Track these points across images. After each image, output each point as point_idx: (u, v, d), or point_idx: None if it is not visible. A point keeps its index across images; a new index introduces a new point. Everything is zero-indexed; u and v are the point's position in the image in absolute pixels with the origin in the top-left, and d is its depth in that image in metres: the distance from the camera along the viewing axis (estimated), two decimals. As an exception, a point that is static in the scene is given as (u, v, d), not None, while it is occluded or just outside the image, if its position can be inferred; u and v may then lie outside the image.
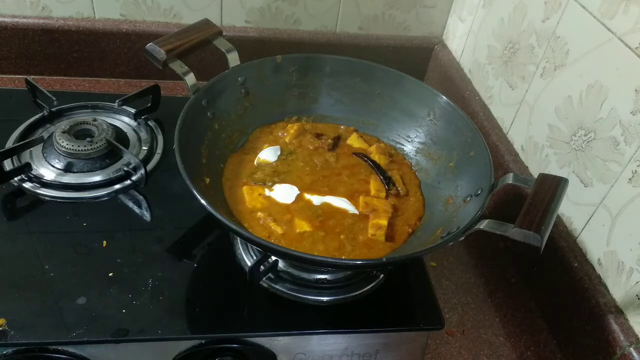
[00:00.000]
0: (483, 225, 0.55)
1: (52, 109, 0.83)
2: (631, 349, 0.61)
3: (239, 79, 0.75)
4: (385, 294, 0.67)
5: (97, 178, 0.76)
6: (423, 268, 0.71)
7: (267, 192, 0.70)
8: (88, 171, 0.76)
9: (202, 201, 0.55)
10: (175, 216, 0.73)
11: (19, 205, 0.72)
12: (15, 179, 0.73)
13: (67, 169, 0.76)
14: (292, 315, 0.64)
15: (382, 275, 0.68)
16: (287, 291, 0.65)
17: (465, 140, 0.70)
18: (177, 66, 0.69)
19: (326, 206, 0.69)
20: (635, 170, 0.62)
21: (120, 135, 0.83)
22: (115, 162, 0.78)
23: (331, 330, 0.63)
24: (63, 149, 0.76)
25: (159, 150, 0.83)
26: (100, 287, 0.62)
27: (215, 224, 0.68)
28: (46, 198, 0.72)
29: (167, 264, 0.67)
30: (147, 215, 0.73)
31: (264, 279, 0.65)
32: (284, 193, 0.70)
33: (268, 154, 0.75)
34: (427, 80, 1.13)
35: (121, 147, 0.78)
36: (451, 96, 0.75)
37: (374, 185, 0.72)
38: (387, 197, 0.72)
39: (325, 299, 0.65)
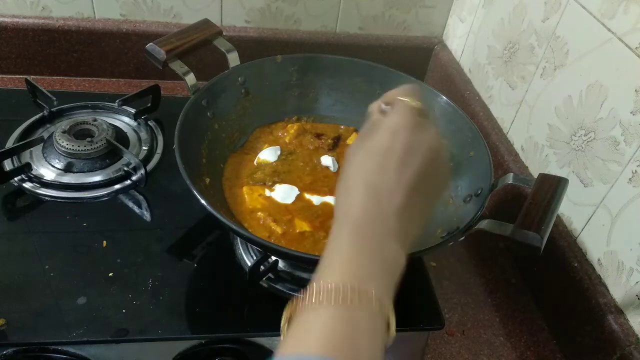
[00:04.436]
0: (483, 225, 0.55)
1: (52, 109, 0.83)
2: (631, 348, 0.61)
3: (239, 79, 0.75)
4: (385, 294, 0.67)
5: (97, 178, 0.76)
6: (423, 268, 0.71)
7: (267, 192, 0.70)
8: (88, 171, 0.76)
9: (202, 201, 0.55)
10: (175, 216, 0.73)
11: (19, 205, 0.72)
12: (16, 179, 0.73)
13: (67, 169, 0.76)
14: (292, 315, 0.64)
15: (382, 275, 0.68)
16: (287, 291, 0.65)
17: (465, 140, 0.70)
18: (177, 66, 0.69)
19: (326, 206, 0.69)
20: (635, 170, 0.62)
21: (120, 135, 0.83)
22: (115, 162, 0.78)
23: (331, 330, 0.63)
24: (63, 149, 0.76)
25: (159, 150, 0.83)
26: (100, 287, 0.62)
27: (215, 224, 0.68)
28: (46, 198, 0.72)
29: (167, 264, 0.67)
30: (147, 215, 0.73)
31: (264, 279, 0.65)
32: (284, 193, 0.70)
33: (268, 154, 0.75)
34: (427, 80, 1.13)
35: (121, 147, 0.78)
36: (451, 96, 0.75)
37: (374, 185, 0.72)
38: (387, 197, 0.72)
39: (325, 299, 0.65)
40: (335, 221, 0.42)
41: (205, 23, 0.75)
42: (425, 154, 0.43)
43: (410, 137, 0.43)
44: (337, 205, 0.44)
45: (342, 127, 0.82)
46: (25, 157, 0.77)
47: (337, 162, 0.76)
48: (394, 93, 0.48)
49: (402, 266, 0.41)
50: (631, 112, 0.62)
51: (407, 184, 0.41)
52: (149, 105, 0.88)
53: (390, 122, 0.44)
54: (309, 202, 0.69)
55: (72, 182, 0.74)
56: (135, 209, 0.74)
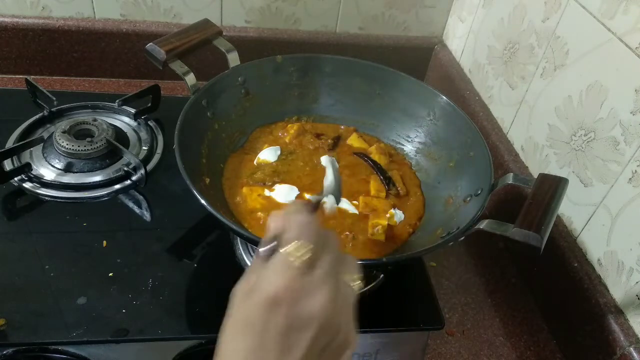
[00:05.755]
0: (483, 225, 0.55)
1: (52, 109, 0.84)
2: (631, 349, 0.61)
3: (239, 79, 0.75)
4: (385, 294, 0.67)
5: (97, 178, 0.76)
6: (423, 268, 0.71)
7: (267, 192, 0.70)
8: (88, 171, 0.76)
9: (202, 201, 0.55)
10: (175, 216, 0.73)
11: (19, 205, 0.72)
12: (16, 179, 0.73)
13: (67, 169, 0.76)
14: (292, 315, 0.64)
15: (382, 275, 0.68)
16: (287, 291, 0.65)
17: (465, 140, 0.70)
18: (177, 66, 0.69)
19: (326, 206, 0.69)
20: (635, 170, 0.62)
21: (120, 135, 0.83)
22: (115, 162, 0.78)
23: (331, 330, 0.63)
24: (63, 149, 0.76)
25: (159, 150, 0.83)
26: (100, 287, 0.62)
27: (215, 224, 0.68)
28: (46, 198, 0.72)
29: (167, 264, 0.67)
30: (147, 215, 0.73)
31: (264, 279, 0.65)
32: (284, 193, 0.69)
33: (268, 154, 0.75)
34: (427, 80, 1.13)
35: (121, 147, 0.78)
36: (451, 96, 0.75)
37: (374, 185, 0.72)
38: (387, 197, 0.72)
39: (325, 299, 0.65)
40: None
41: (205, 23, 0.75)
42: (315, 326, 0.35)
43: (292, 311, 0.35)
44: None
45: (342, 127, 0.82)
46: (25, 157, 0.77)
47: (337, 162, 0.76)
48: (286, 228, 0.40)
49: None
50: (631, 112, 0.62)
51: None
52: (149, 105, 0.88)
53: (266, 290, 0.36)
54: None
55: (72, 182, 0.74)
56: (135, 209, 0.74)
